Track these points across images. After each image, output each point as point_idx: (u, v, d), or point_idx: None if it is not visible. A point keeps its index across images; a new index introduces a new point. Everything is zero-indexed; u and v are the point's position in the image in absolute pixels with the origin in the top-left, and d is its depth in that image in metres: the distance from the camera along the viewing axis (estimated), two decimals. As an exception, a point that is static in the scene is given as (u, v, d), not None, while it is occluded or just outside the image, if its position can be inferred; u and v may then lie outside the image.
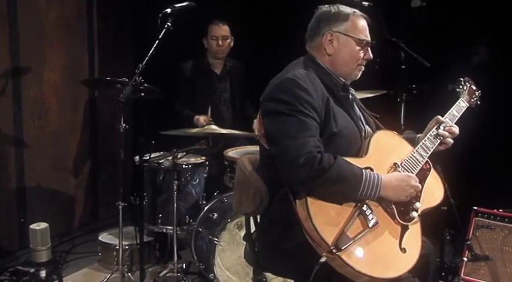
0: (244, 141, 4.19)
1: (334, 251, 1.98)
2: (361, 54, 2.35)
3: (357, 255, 2.02)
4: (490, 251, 3.41)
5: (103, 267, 3.86)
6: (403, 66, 3.48)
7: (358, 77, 2.41)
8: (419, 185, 2.23)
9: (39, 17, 4.28)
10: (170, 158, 3.58)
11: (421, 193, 2.27)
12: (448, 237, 3.74)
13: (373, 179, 2.10)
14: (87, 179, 4.85)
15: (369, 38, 2.37)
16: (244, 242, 2.51)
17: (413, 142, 2.46)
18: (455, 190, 3.28)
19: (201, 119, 4.09)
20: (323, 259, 2.00)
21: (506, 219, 3.41)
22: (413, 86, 3.54)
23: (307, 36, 2.41)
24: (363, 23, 2.36)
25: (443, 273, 3.51)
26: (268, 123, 2.21)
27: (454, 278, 3.57)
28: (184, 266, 3.72)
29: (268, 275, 2.64)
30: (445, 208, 3.39)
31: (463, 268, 3.45)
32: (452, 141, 2.49)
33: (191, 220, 3.67)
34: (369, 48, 2.37)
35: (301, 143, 2.06)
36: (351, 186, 2.07)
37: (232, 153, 3.76)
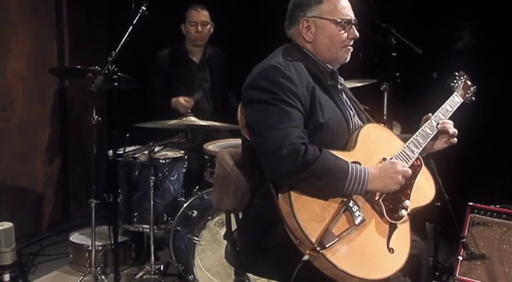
0: (226, 134, 4.20)
1: (318, 248, 2.01)
2: (344, 35, 2.35)
3: (341, 254, 2.04)
4: (486, 250, 3.47)
5: (74, 270, 3.88)
6: (394, 54, 3.52)
7: (347, 60, 2.42)
8: (408, 169, 2.26)
9: (0, 1, 4.25)
10: (146, 152, 3.60)
11: (411, 191, 2.30)
12: (429, 235, 3.80)
13: (359, 172, 2.13)
14: (57, 176, 4.85)
15: (350, 16, 2.36)
16: (225, 241, 2.55)
17: (405, 140, 2.47)
18: (450, 185, 3.33)
19: (181, 99, 4.09)
20: (306, 257, 2.02)
21: (504, 216, 3.46)
22: (397, 74, 3.58)
23: (286, 25, 2.44)
24: (340, 2, 2.35)
25: (437, 273, 3.56)
26: (249, 112, 2.23)
27: (448, 278, 3.62)
28: (162, 268, 3.74)
29: (251, 276, 2.66)
30: (439, 204, 3.44)
31: (458, 267, 3.51)
32: (456, 139, 2.50)
33: (169, 218, 3.70)
34: (353, 26, 2.37)
35: (284, 133, 2.09)
36: (336, 180, 2.09)
37: (212, 146, 3.78)
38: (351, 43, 2.39)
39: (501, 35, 4.08)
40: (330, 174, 2.08)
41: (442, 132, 2.49)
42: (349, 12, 2.37)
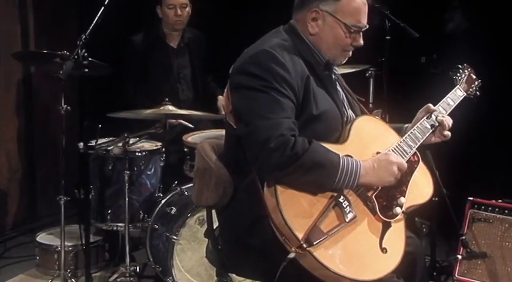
0: (207, 124, 4.22)
1: (304, 246, 2.02)
2: (349, 41, 2.35)
3: (330, 252, 2.07)
4: (487, 248, 3.49)
5: (42, 273, 3.86)
6: (388, 37, 3.53)
7: (342, 63, 2.45)
8: (402, 160, 2.28)
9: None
10: (120, 144, 3.60)
11: (406, 188, 2.32)
12: (424, 230, 3.83)
13: (351, 165, 2.15)
14: (22, 171, 4.82)
15: (361, 23, 2.34)
16: (206, 239, 2.56)
17: (399, 132, 2.50)
18: (448, 178, 3.35)
19: None
20: (291, 255, 2.04)
21: (506, 211, 3.48)
22: (383, 59, 3.60)
23: (294, 5, 2.42)
24: (357, 5, 2.33)
25: (434, 273, 3.59)
26: (237, 98, 2.24)
27: (447, 278, 3.66)
28: (138, 269, 3.74)
29: (235, 276, 2.66)
30: (436, 199, 3.47)
31: (458, 267, 3.52)
32: (449, 134, 2.53)
33: (146, 216, 3.71)
34: (360, 34, 2.37)
35: (274, 124, 2.10)
36: (326, 173, 2.11)
37: (192, 138, 3.78)
38: (352, 49, 2.40)
39: (494, 15, 4.11)
40: (320, 168, 2.10)
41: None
42: (363, 20, 2.36)
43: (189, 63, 4.39)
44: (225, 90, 2.35)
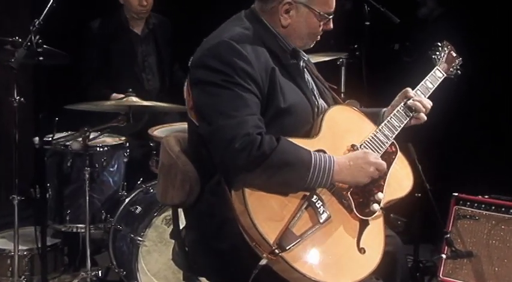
0: (175, 117, 4.20)
1: (276, 251, 2.02)
2: (320, 28, 2.38)
3: (304, 257, 2.06)
4: (473, 246, 3.50)
5: (-7, 280, 3.83)
6: (367, 23, 3.52)
7: (311, 47, 2.45)
8: (382, 162, 2.27)
9: None
10: (80, 138, 3.56)
11: (384, 182, 2.31)
12: (399, 227, 3.84)
13: (324, 162, 2.14)
14: (-29, 168, 4.76)
15: (332, 9, 2.37)
16: (173, 241, 2.53)
17: (376, 118, 2.50)
18: (432, 173, 3.37)
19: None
20: (263, 261, 2.03)
21: (493, 208, 3.49)
22: (355, 46, 3.59)
23: None
24: None
25: (417, 274, 3.62)
26: (198, 95, 2.23)
27: (431, 279, 3.69)
28: (100, 274, 3.72)
29: (205, 280, 2.65)
30: (419, 195, 3.48)
31: (442, 267, 3.53)
32: (425, 116, 2.53)
33: (108, 216, 3.68)
34: (330, 19, 2.38)
35: (238, 122, 2.09)
36: (297, 173, 2.10)
37: (159, 132, 3.77)
38: (321, 33, 2.41)
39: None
40: (290, 167, 2.09)
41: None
42: (333, 5, 2.39)
43: (155, 51, 4.37)
44: (185, 83, 2.34)
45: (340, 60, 3.66)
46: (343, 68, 3.68)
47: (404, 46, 3.77)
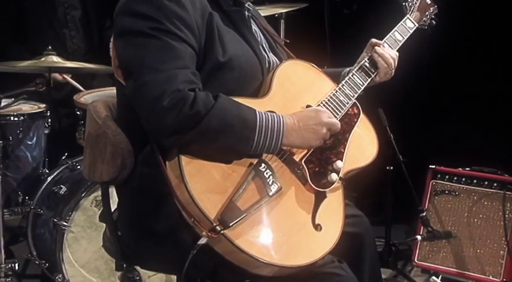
0: (105, 80, 4.20)
1: (218, 228, 2.01)
2: None
3: (250, 235, 2.06)
4: (452, 226, 3.59)
5: None
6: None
7: None
8: (336, 121, 2.28)
9: None
10: (-10, 106, 3.53)
11: (344, 148, 2.34)
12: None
13: (271, 122, 2.14)
14: None
15: None
16: (104, 225, 2.53)
17: (337, 79, 2.51)
18: (405, 143, 3.42)
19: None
20: (203, 240, 2.03)
21: (475, 181, 3.58)
22: None
23: None
24: None
25: (389, 259, 3.69)
26: (122, 47, 2.21)
27: (405, 265, 3.75)
28: (17, 267, 3.70)
29: (143, 271, 2.66)
30: (391, 168, 3.53)
31: (417, 250, 3.62)
32: (391, 71, 2.56)
33: (26, 198, 3.66)
34: None
35: (167, 77, 2.07)
36: (239, 136, 2.10)
37: (86, 98, 3.74)
38: None
39: None
40: (230, 129, 2.09)
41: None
42: None
43: (80, 2, 4.33)
44: (111, 39, 2.31)
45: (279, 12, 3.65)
46: (282, 20, 3.67)
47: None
